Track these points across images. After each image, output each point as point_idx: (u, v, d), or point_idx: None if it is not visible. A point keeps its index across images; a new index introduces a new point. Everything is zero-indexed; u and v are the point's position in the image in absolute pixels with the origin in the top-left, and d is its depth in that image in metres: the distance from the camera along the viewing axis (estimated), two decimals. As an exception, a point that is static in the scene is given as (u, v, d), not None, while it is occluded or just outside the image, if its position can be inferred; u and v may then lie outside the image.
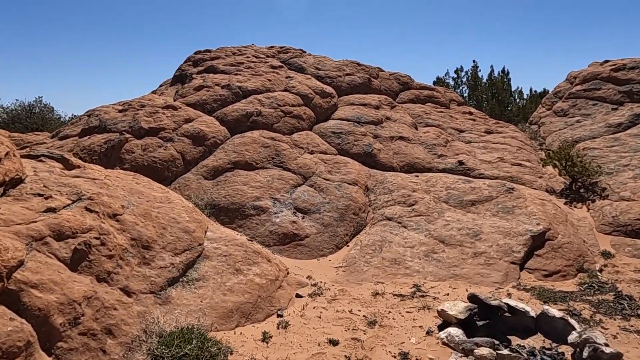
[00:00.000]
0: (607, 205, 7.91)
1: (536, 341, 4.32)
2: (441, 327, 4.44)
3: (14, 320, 3.19)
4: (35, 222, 3.96)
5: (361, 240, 6.98)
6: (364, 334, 4.41)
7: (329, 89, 11.45)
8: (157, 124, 8.64)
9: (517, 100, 20.63)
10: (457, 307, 4.39)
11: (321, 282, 5.82)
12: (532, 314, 4.52)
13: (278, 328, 4.52)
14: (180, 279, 4.75)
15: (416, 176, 9.02)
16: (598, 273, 6.13)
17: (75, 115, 14.67)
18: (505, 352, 3.87)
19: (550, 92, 14.76)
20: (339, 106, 11.21)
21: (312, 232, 7.03)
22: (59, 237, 4.00)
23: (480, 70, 19.54)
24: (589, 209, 8.16)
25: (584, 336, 3.98)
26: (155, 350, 3.56)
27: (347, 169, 8.62)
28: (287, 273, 5.88)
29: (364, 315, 4.81)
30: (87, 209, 4.50)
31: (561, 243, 6.55)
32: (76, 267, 3.94)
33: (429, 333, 4.39)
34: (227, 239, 5.71)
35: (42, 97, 23.52)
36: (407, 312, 4.91)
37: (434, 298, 5.29)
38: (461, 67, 20.06)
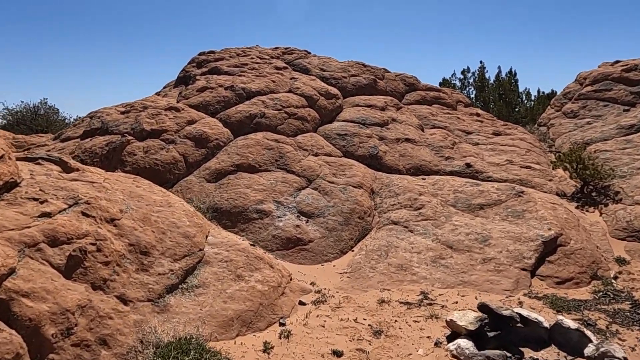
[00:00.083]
0: (620, 210, 7.67)
1: (550, 354, 4.12)
2: (450, 338, 4.25)
3: (2, 331, 3.05)
4: (29, 227, 3.83)
5: (366, 245, 6.80)
6: (370, 344, 4.24)
7: (333, 90, 11.29)
8: (160, 126, 8.52)
9: (525, 101, 20.37)
10: (467, 318, 4.20)
11: (325, 288, 5.65)
12: (546, 324, 4.32)
13: (280, 338, 4.35)
14: (180, 286, 4.60)
15: (423, 179, 8.82)
16: (613, 280, 5.91)
17: (79, 117, 14.62)
18: (518, 365, 3.68)
19: (559, 93, 14.50)
20: (344, 107, 11.04)
21: (316, 236, 6.86)
22: (54, 243, 3.87)
23: (487, 72, 19.29)
24: (601, 214, 7.92)
25: (602, 349, 3.78)
26: (151, 363, 3.42)
27: (352, 171, 8.44)
28: (290, 279, 5.72)
29: (369, 325, 4.63)
30: (84, 214, 4.36)
31: (574, 249, 6.33)
32: (71, 274, 3.81)
33: (437, 344, 4.20)
34: (228, 244, 5.56)
35: (47, 98, 23.62)
36: (414, 321, 4.73)
37: (442, 306, 5.10)
38: (468, 67, 19.85)
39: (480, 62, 26.70)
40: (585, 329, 4.20)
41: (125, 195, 5.32)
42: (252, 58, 12.82)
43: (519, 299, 5.37)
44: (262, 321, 4.67)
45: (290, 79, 11.33)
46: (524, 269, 5.96)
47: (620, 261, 6.47)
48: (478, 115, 13.11)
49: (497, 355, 3.79)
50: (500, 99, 18.49)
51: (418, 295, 5.43)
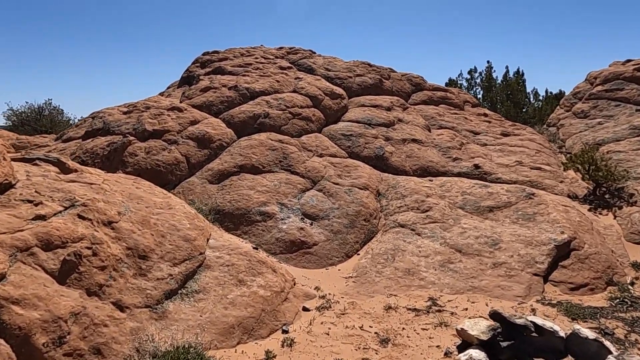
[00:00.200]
0: (636, 212, 7.42)
1: (567, 365, 3.91)
2: (461, 348, 4.05)
3: (-10, 340, 2.91)
4: (22, 230, 3.69)
5: (372, 249, 6.61)
6: (376, 353, 4.05)
7: (339, 90, 11.12)
8: (162, 126, 8.39)
9: (533, 102, 20.07)
10: (479, 327, 4.00)
11: (330, 293, 5.46)
12: (562, 334, 4.11)
13: (283, 346, 4.17)
14: (179, 291, 4.44)
15: (430, 180, 8.62)
16: (630, 287, 5.68)
17: (83, 118, 14.54)
18: (534, 378, 3.48)
19: (569, 93, 14.23)
20: (349, 108, 10.86)
21: (321, 239, 6.68)
22: (47, 247, 3.72)
23: (495, 71, 19.02)
24: (615, 216, 7.67)
25: (623, 362, 3.56)
26: (146, 373, 3.26)
27: (357, 172, 8.26)
28: (294, 284, 5.54)
29: (375, 332, 4.44)
30: (80, 216, 4.22)
31: (588, 253, 6.10)
32: (65, 279, 3.66)
33: (447, 355, 4.00)
34: (230, 247, 5.39)
35: (51, 99, 23.65)
36: (423, 329, 4.53)
37: (452, 313, 4.90)
38: (475, 67, 19.58)
39: (488, 61, 26.42)
40: (604, 340, 3.98)
41: (124, 197, 5.18)
42: (256, 58, 12.68)
43: (531, 305, 5.16)
44: (264, 328, 4.50)
45: (295, 78, 11.17)
46: (536, 274, 5.74)
47: (637, 266, 6.23)
48: (486, 115, 12.87)
49: (511, 367, 3.59)
50: (508, 99, 18.21)
51: (426, 301, 5.23)
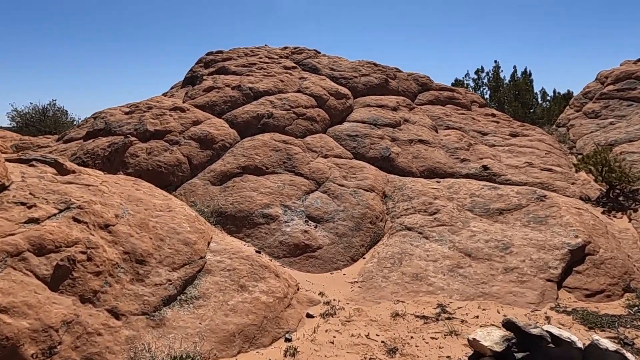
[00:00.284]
0: (651, 216, 7.17)
1: (586, 378, 3.69)
2: (473, 359, 3.84)
3: (-25, 352, 2.75)
4: (14, 234, 3.54)
5: (378, 252, 6.41)
6: (383, 364, 3.85)
7: (344, 90, 10.93)
8: (164, 127, 8.25)
9: (541, 102, 19.77)
10: (492, 337, 3.79)
11: (334, 299, 5.27)
12: (580, 344, 3.88)
13: (285, 356, 3.99)
14: (178, 297, 4.27)
15: (437, 182, 8.41)
16: (648, 293, 5.43)
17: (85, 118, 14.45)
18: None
19: (578, 93, 13.94)
20: (354, 108, 10.67)
21: (325, 242, 6.50)
22: (40, 251, 3.57)
23: (502, 71, 18.76)
24: (630, 219, 7.42)
25: (647, 376, 3.33)
26: (141, 386, 3.09)
27: (363, 174, 8.07)
28: (298, 289, 5.36)
29: (382, 341, 4.25)
30: (75, 219, 4.06)
31: (603, 258, 5.87)
32: (57, 286, 3.50)
33: (458, 366, 3.80)
34: (232, 251, 5.22)
35: (55, 100, 23.69)
36: (432, 338, 4.33)
37: (462, 321, 4.69)
38: (482, 67, 19.32)
39: (495, 61, 26.14)
40: (626, 352, 3.75)
41: (123, 198, 5.02)
42: (260, 58, 12.53)
43: (545, 313, 4.93)
44: (267, 336, 4.32)
45: (299, 78, 11.00)
46: (549, 280, 5.51)
47: (654, 272, 5.98)
48: (494, 115, 12.63)
49: (527, 380, 3.38)
50: (516, 99, 17.93)
51: (435, 308, 5.02)
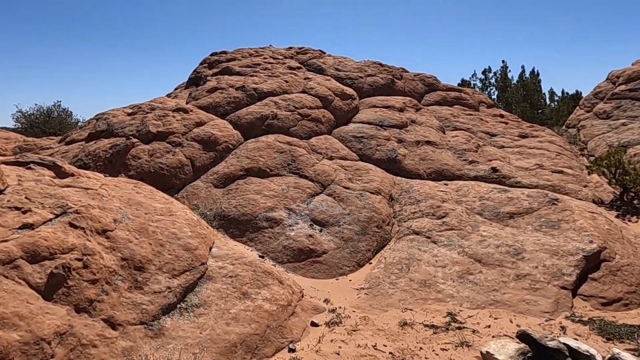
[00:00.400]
0: (668, 220, 6.92)
1: (606, 394, 3.49)
2: (486, 373, 3.65)
3: (-38, 367, 2.61)
4: (6, 241, 3.40)
5: (385, 258, 6.23)
6: (392, 378, 3.67)
7: (349, 91, 10.76)
8: (166, 128, 8.12)
9: (549, 102, 19.48)
10: (507, 350, 3.60)
11: (340, 307, 5.10)
12: (599, 358, 3.69)
13: (289, 367, 3.82)
14: (178, 306, 4.12)
15: (445, 184, 8.20)
16: (667, 302, 5.21)
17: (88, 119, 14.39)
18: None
19: (589, 93, 13.67)
20: (360, 109, 10.50)
21: (331, 247, 6.32)
22: (33, 259, 3.43)
23: (510, 71, 18.49)
24: (646, 224, 7.18)
25: (674, 394, 3.13)
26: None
27: (369, 176, 7.89)
28: (302, 296, 5.19)
29: (390, 353, 4.07)
30: (72, 225, 3.92)
31: (620, 265, 5.65)
32: (51, 295, 3.36)
33: (471, 380, 3.61)
34: (234, 257, 5.06)
35: (60, 101, 23.72)
36: (442, 349, 4.14)
37: (473, 331, 4.49)
38: (489, 67, 19.07)
39: (503, 61, 25.86)
40: (649, 367, 3.55)
41: (122, 202, 4.89)
42: (265, 58, 12.38)
43: (560, 323, 4.73)
44: (269, 346, 4.15)
45: (304, 79, 10.84)
46: (563, 288, 5.30)
47: (673, 279, 5.75)
48: (502, 116, 12.40)
49: (545, 398, 3.19)
50: (524, 100, 17.67)
51: (445, 317, 4.83)
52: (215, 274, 4.68)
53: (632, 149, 9.34)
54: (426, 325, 4.62)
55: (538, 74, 18.92)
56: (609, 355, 3.72)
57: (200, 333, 3.93)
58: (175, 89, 13.18)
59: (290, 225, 6.53)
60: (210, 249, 5.08)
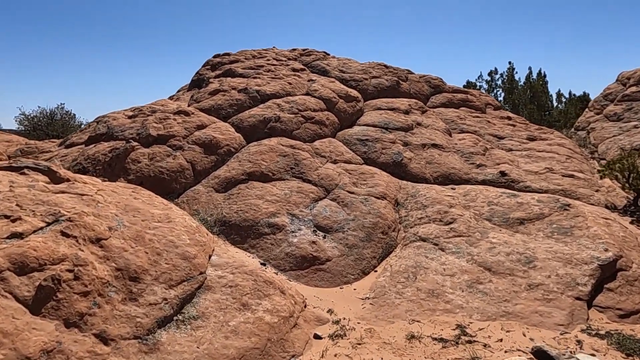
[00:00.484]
0: (686, 226, 6.66)
1: (629, 417, 3.26)
2: (499, 393, 3.44)
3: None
4: (-7, 252, 3.23)
5: (391, 265, 6.02)
6: (399, 397, 3.47)
7: (354, 93, 10.57)
8: (167, 131, 7.96)
9: (556, 104, 19.19)
10: (522, 369, 3.38)
11: (344, 318, 4.89)
12: (620, 377, 3.46)
13: (290, 385, 3.62)
14: (174, 318, 3.94)
15: (452, 189, 7.98)
16: (688, 314, 4.96)
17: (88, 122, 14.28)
18: None
19: (599, 95, 13.39)
20: (365, 111, 10.30)
21: (335, 254, 6.12)
22: (22, 270, 3.26)
23: (517, 73, 18.23)
24: (662, 230, 6.92)
25: None
26: None
27: (374, 180, 7.68)
28: (305, 306, 4.99)
29: (397, 369, 3.86)
30: (63, 233, 3.75)
31: (638, 274, 5.40)
32: (39, 309, 3.18)
33: (484, 401, 3.40)
34: (234, 265, 4.88)
35: (64, 103, 23.70)
36: (452, 365, 3.93)
37: (485, 345, 4.27)
38: (495, 69, 18.82)
39: (509, 62, 25.57)
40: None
41: (119, 209, 4.71)
42: (268, 60, 12.23)
43: (576, 336, 4.50)
44: (270, 361, 3.96)
45: (308, 81, 10.67)
46: (578, 298, 5.06)
47: (693, 289, 5.49)
48: (509, 118, 12.15)
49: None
50: (531, 101, 17.40)
51: (454, 330, 4.61)
52: (214, 283, 4.50)
53: (645, 153, 9.08)
54: (435, 339, 4.41)
55: (545, 76, 18.66)
56: (632, 375, 3.49)
57: (198, 347, 3.74)
58: (178, 91, 13.04)
59: (293, 232, 6.33)
60: (210, 257, 4.90)
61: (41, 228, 3.70)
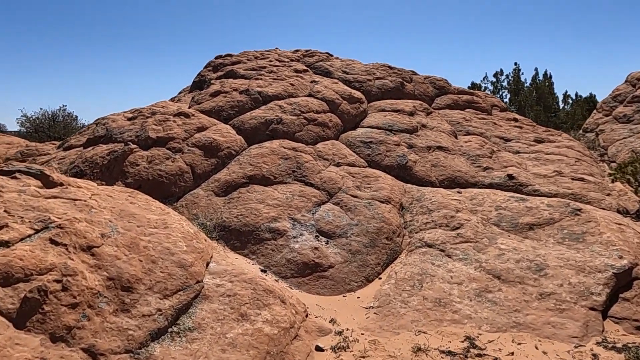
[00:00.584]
0: (702, 232, 6.41)
1: None
2: (513, 413, 3.22)
3: None
4: (-24, 261, 3.06)
5: (396, 272, 5.81)
6: (405, 416, 3.26)
7: (357, 94, 10.38)
8: (166, 133, 7.80)
9: (563, 105, 18.93)
10: (538, 389, 3.17)
11: (347, 328, 4.69)
12: (642, 397, 3.24)
13: (290, 402, 3.43)
14: (169, 330, 3.75)
15: (458, 192, 7.77)
16: None
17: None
18: None
19: (607, 96, 13.13)
20: (368, 113, 10.11)
21: (337, 260, 5.92)
22: (6, 281, 3.08)
23: (523, 74, 17.98)
24: (677, 236, 6.66)
25: None
26: None
27: (378, 183, 7.48)
28: (306, 315, 4.80)
29: (403, 385, 3.65)
30: (52, 241, 3.58)
31: (654, 283, 5.17)
32: (24, 323, 3.01)
33: (496, 422, 3.19)
34: (233, 273, 4.69)
35: (66, 105, 23.64)
36: (461, 381, 3.72)
37: (495, 359, 4.06)
38: (501, 70, 18.58)
39: (515, 63, 25.26)
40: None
41: (113, 214, 4.54)
42: (270, 61, 12.07)
43: (592, 349, 4.27)
44: (269, 376, 3.76)
45: (311, 82, 10.49)
46: (592, 309, 4.84)
47: None
48: (516, 120, 11.92)
49: None
50: (537, 103, 17.15)
51: (462, 342, 4.40)
52: (211, 292, 4.31)
53: (658, 155, 8.83)
54: (442, 352, 4.20)
55: (551, 77, 18.41)
56: (654, 394, 3.27)
57: (193, 361, 3.55)
58: (180, 92, 12.91)
59: (294, 237, 6.14)
60: (208, 264, 4.71)
61: (29, 236, 3.53)
